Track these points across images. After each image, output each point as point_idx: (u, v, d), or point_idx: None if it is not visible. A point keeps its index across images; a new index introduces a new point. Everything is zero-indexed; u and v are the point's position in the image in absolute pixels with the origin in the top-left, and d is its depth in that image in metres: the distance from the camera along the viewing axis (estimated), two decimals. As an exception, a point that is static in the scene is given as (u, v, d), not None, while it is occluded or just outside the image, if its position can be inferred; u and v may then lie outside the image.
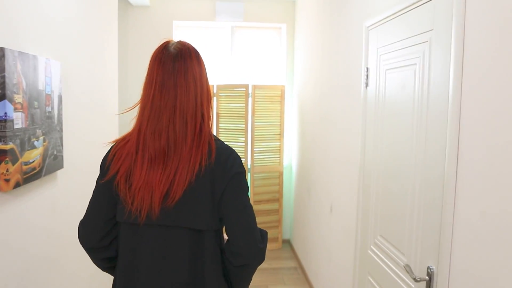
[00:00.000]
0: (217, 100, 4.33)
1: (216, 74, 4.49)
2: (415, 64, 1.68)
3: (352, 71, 2.47)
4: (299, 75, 4.29)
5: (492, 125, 1.20)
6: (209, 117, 1.19)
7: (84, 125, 2.33)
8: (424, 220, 1.60)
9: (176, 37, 4.41)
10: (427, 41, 1.59)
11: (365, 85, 2.25)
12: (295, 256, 4.27)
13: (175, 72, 1.13)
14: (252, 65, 4.60)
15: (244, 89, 4.25)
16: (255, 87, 4.27)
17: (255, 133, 4.30)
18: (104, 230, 1.21)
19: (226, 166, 1.15)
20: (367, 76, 2.23)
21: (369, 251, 2.18)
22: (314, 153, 3.55)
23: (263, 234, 1.22)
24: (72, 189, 2.13)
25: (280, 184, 4.43)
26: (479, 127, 1.26)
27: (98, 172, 1.23)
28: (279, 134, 4.43)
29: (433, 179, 1.52)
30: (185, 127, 1.12)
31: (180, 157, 1.12)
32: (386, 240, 1.96)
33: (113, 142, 1.23)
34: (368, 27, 2.21)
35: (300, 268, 3.99)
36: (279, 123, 4.42)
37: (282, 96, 4.41)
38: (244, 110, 4.24)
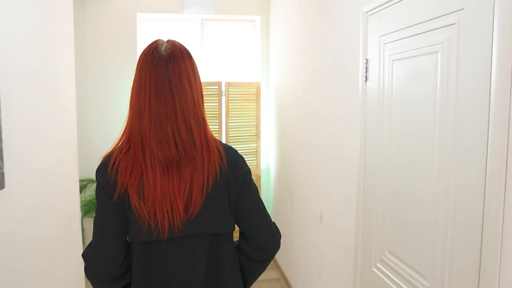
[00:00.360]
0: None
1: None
2: (437, 52, 1.41)
3: (347, 63, 2.19)
4: (276, 70, 3.99)
5: None
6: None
7: (32, 134, 1.93)
8: (455, 234, 1.33)
9: (141, 32, 4.02)
10: (454, 24, 1.32)
11: (364, 78, 1.96)
12: (276, 266, 3.97)
13: (169, 76, 1.07)
14: (224, 61, 4.26)
15: (217, 87, 3.91)
16: (228, 84, 3.94)
17: (230, 135, 3.97)
18: (122, 255, 1.13)
19: (237, 166, 1.17)
20: (366, 68, 1.95)
21: (374, 269, 1.90)
22: (297, 153, 3.24)
23: (275, 225, 1.27)
24: (15, 213, 1.73)
25: (258, 189, 4.10)
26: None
27: (94, 193, 1.12)
28: (256, 135, 4.12)
29: (469, 181, 1.25)
30: (191, 134, 1.09)
31: (193, 165, 1.09)
32: (398, 258, 1.69)
33: (107, 155, 1.13)
34: (366, 12, 1.92)
35: (284, 279, 3.69)
36: (255, 123, 4.11)
37: (258, 94, 4.10)
38: (217, 110, 3.90)
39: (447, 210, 1.36)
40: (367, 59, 1.95)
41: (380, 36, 1.81)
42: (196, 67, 1.16)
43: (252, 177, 1.23)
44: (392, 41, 1.71)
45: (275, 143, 4.01)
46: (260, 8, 4.19)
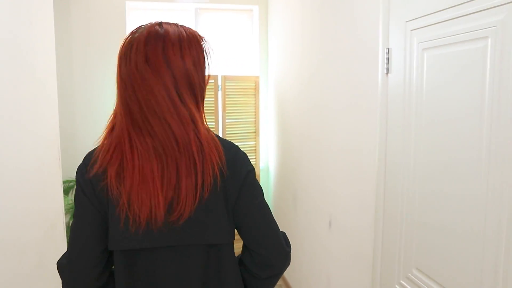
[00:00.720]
0: (181, 94, 3.70)
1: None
2: (486, 37, 1.17)
3: (365, 53, 1.94)
4: (276, 63, 3.74)
5: None
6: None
7: (6, 126, 1.68)
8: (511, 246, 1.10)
9: (131, 22, 3.74)
10: (510, 2, 1.08)
11: (385, 70, 1.73)
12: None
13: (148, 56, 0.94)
14: (220, 53, 3.99)
15: (213, 81, 3.65)
16: (225, 78, 3.69)
17: (227, 132, 3.72)
18: (99, 266, 0.98)
19: (236, 165, 1.01)
20: (387, 59, 1.71)
21: (398, 286, 1.67)
22: (301, 150, 3.00)
23: (284, 236, 1.10)
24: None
25: (257, 189, 3.86)
26: None
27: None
28: (254, 132, 3.88)
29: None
30: (171, 133, 0.94)
31: (180, 165, 0.93)
32: (429, 276, 1.46)
33: (90, 152, 1.01)
34: (389, -5, 1.69)
35: (286, 286, 3.47)
36: (253, 119, 3.87)
37: (256, 88, 3.85)
38: (213, 105, 3.65)
39: (500, 221, 1.14)
40: (388, 49, 1.71)
41: (407, 22, 1.57)
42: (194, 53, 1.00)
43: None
44: (423, 27, 1.47)
45: (276, 140, 3.77)
46: (258, -3, 3.93)
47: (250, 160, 3.94)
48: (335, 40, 2.32)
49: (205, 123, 1.01)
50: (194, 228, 0.97)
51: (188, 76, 0.96)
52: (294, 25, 3.13)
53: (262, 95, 3.96)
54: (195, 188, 0.94)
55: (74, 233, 0.99)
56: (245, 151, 1.07)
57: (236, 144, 1.06)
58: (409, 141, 1.58)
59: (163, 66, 0.93)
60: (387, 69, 1.72)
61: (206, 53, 1.03)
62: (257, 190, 1.05)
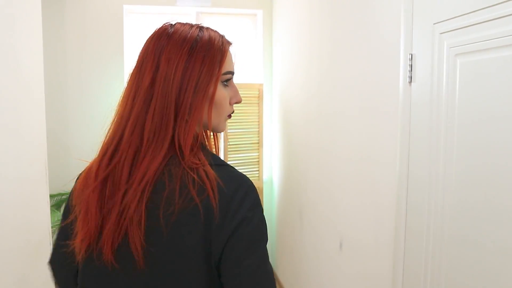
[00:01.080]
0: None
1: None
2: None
3: (383, 59, 1.76)
4: (280, 70, 3.56)
5: None
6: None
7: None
8: None
9: (128, 26, 3.57)
10: None
11: (408, 79, 1.54)
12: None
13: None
14: (222, 60, 3.82)
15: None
16: (227, 86, 3.50)
17: (229, 143, 3.53)
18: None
19: (229, 208, 0.74)
20: (411, 66, 1.53)
21: (423, 323, 1.47)
22: (308, 162, 2.80)
23: None
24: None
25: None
26: None
27: None
28: (257, 143, 3.69)
29: None
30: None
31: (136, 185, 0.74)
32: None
33: None
34: (413, -6, 1.50)
35: (290, 308, 3.26)
36: (257, 129, 3.68)
37: (260, 97, 3.67)
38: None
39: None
40: (411, 54, 1.53)
41: (434, 24, 1.39)
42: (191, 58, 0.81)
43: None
44: (455, 29, 1.29)
45: (280, 151, 3.58)
46: (262, 1, 3.76)
47: (253, 172, 3.64)
48: (347, 46, 2.13)
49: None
50: (147, 276, 0.75)
51: None
52: (301, 30, 2.95)
53: (266, 103, 3.78)
54: (154, 223, 0.74)
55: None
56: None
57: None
58: (438, 152, 1.38)
59: None
60: (410, 77, 1.53)
61: None
62: (256, 252, 0.76)
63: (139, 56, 0.84)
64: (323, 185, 2.51)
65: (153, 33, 0.84)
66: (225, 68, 0.84)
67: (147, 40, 0.84)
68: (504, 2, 1.09)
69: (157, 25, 0.86)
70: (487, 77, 1.16)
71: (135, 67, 0.83)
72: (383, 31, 1.75)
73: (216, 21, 3.79)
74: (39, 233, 2.04)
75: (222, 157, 3.36)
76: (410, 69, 1.53)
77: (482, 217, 1.18)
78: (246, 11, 3.80)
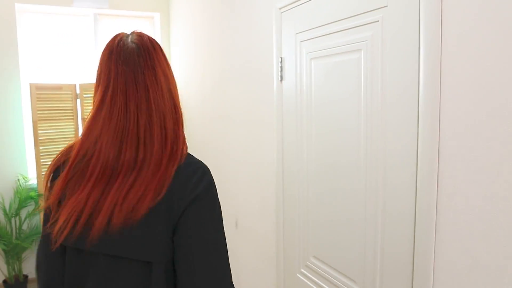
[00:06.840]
0: (81, 103, 3.55)
1: (79, 71, 3.71)
2: (360, 50, 1.37)
3: (260, 62, 2.09)
4: (178, 72, 3.77)
5: (472, 118, 0.92)
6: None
7: None
8: (386, 235, 1.30)
9: (22, 26, 3.51)
10: (377, 21, 1.29)
11: (279, 78, 1.89)
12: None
13: (143, 69, 0.92)
14: (122, 60, 3.92)
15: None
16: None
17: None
18: (57, 268, 0.95)
19: (187, 186, 0.86)
20: (281, 67, 1.88)
21: (299, 275, 1.83)
22: (206, 159, 3.06)
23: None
24: None
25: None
26: (459, 117, 0.98)
27: None
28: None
29: (400, 181, 1.22)
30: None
31: (146, 175, 0.86)
32: (324, 262, 1.64)
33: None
34: (280, 8, 1.85)
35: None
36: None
37: (160, 96, 3.84)
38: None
39: (376, 210, 1.33)
40: (282, 58, 1.88)
41: (296, 34, 1.75)
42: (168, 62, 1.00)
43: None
44: (310, 39, 1.65)
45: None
46: (159, 5, 3.94)
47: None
48: (235, 51, 2.44)
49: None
50: (129, 240, 0.86)
51: None
52: (197, 34, 3.21)
53: (166, 102, 3.96)
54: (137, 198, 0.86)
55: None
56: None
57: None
58: (302, 147, 1.75)
59: None
60: (281, 76, 1.88)
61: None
62: (209, 220, 0.86)
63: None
64: (220, 178, 2.80)
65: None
66: None
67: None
68: (341, 20, 1.46)
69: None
70: (332, 76, 1.53)
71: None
72: (260, 39, 2.09)
73: (113, 23, 3.88)
74: None
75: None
76: (280, 69, 1.88)
77: (330, 199, 1.56)
78: (144, 13, 3.94)
